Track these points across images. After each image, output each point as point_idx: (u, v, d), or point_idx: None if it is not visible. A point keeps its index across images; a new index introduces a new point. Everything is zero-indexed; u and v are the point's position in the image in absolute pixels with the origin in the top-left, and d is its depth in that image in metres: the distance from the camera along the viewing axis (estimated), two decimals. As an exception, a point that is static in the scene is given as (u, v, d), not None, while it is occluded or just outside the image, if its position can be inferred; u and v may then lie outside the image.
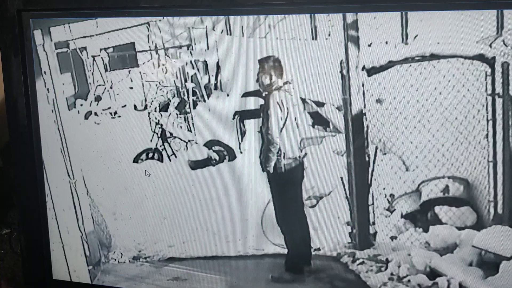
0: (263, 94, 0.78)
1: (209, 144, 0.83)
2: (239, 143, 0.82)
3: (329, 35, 0.74)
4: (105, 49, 0.83)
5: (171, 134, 0.85)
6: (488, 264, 0.75)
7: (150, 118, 0.85)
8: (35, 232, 0.92)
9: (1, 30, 0.85)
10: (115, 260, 0.91)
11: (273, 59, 0.76)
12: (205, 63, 0.81)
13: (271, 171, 0.80)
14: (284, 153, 0.79)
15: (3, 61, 0.86)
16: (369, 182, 0.77)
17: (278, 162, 0.79)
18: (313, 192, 0.80)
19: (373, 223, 0.79)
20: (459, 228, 0.75)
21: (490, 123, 0.73)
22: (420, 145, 0.75)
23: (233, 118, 0.81)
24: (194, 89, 0.83)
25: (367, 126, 0.76)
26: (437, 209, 0.76)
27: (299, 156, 0.79)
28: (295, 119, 0.79)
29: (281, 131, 0.79)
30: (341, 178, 0.78)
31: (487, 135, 0.73)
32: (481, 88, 0.72)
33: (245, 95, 0.79)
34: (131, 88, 0.84)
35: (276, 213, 0.81)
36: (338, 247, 0.80)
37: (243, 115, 0.80)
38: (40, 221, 0.91)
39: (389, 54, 0.73)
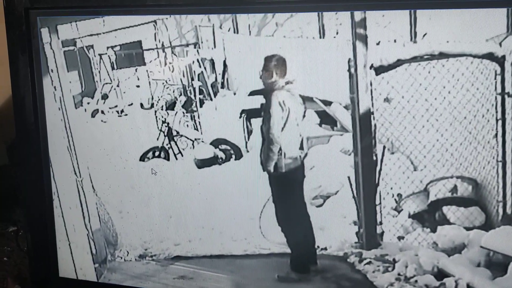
0: (271, 95, 0.78)
1: (216, 143, 0.83)
2: (246, 142, 0.81)
3: (337, 33, 0.74)
4: (112, 47, 0.83)
5: (177, 132, 0.85)
6: (497, 265, 0.74)
7: (156, 117, 0.84)
8: (42, 230, 0.92)
9: (8, 28, 0.85)
10: (121, 258, 0.91)
11: (277, 58, 0.76)
12: (212, 62, 0.81)
13: (272, 170, 0.80)
14: (284, 153, 0.79)
15: (11, 59, 0.86)
16: (376, 181, 0.77)
17: (279, 161, 0.79)
18: (320, 191, 0.79)
19: (380, 223, 0.78)
20: (467, 229, 0.75)
21: (500, 122, 0.72)
22: (429, 144, 0.74)
23: (240, 117, 0.80)
24: (200, 87, 0.83)
25: (375, 125, 0.76)
26: (445, 209, 0.76)
27: (300, 156, 0.79)
28: (296, 118, 0.78)
29: (282, 130, 0.78)
30: (348, 177, 0.78)
31: (496, 134, 0.72)
32: (491, 87, 0.72)
33: (252, 93, 0.79)
34: (138, 86, 0.84)
35: (276, 213, 0.81)
36: (344, 247, 0.80)
37: (250, 114, 0.80)
38: (47, 219, 0.92)
39: (398, 52, 0.72)
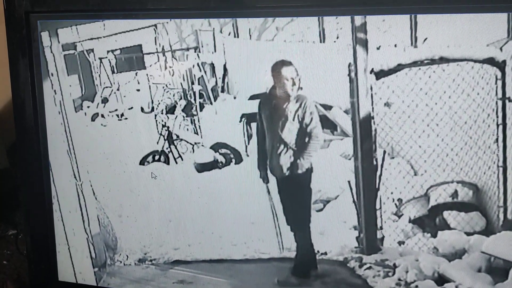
0: (288, 99, 0.77)
1: (216, 147, 0.83)
2: (246, 146, 0.81)
3: (337, 38, 0.74)
4: (112, 51, 0.83)
5: (177, 136, 0.85)
6: (497, 270, 0.74)
7: (156, 121, 0.84)
8: (41, 233, 0.92)
9: (9, 32, 0.85)
10: (121, 262, 0.90)
11: (287, 63, 0.76)
12: (212, 66, 0.81)
13: (293, 173, 0.79)
14: (303, 156, 0.79)
15: (11, 62, 0.86)
16: (376, 186, 0.77)
17: (300, 165, 0.79)
18: (320, 196, 0.79)
19: (381, 228, 0.78)
20: (468, 234, 0.74)
21: (500, 127, 0.72)
22: (429, 149, 0.74)
23: (240, 121, 0.80)
24: (201, 91, 0.83)
25: (375, 130, 0.76)
26: (445, 214, 0.76)
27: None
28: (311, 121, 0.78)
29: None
30: (349, 182, 0.77)
31: (497, 139, 0.72)
32: (491, 92, 0.71)
33: (252, 97, 0.79)
34: (138, 90, 0.84)
35: (286, 218, 0.81)
36: (345, 252, 0.80)
37: (250, 118, 0.80)
38: (46, 222, 0.91)
39: (398, 57, 0.72)
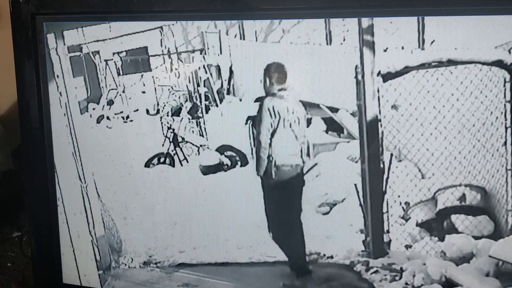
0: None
1: (221, 149, 0.83)
2: (252, 149, 0.81)
3: (344, 40, 0.73)
4: (118, 53, 0.83)
5: (183, 138, 0.85)
6: (506, 274, 0.73)
7: (162, 123, 0.84)
8: (46, 235, 0.92)
9: (14, 33, 0.85)
10: (126, 265, 0.90)
11: (275, 65, 0.76)
12: (218, 68, 0.81)
13: (262, 176, 0.79)
14: (275, 160, 0.78)
15: (16, 64, 0.86)
16: (383, 189, 0.76)
17: (269, 168, 0.79)
18: (326, 199, 0.79)
19: (388, 231, 0.77)
20: (476, 238, 0.74)
21: (509, 130, 0.71)
22: (437, 152, 0.73)
23: (246, 123, 0.80)
24: (206, 93, 0.83)
25: (382, 133, 0.75)
26: (453, 217, 0.75)
27: (297, 165, 0.78)
28: (290, 125, 0.78)
29: (272, 136, 0.78)
30: (355, 185, 0.77)
31: (505, 142, 0.72)
32: (500, 95, 0.71)
33: (258, 100, 0.79)
34: (144, 92, 0.84)
35: (268, 220, 0.80)
36: (351, 255, 0.79)
37: (255, 121, 0.80)
38: (51, 224, 0.91)
39: (405, 59, 0.72)
